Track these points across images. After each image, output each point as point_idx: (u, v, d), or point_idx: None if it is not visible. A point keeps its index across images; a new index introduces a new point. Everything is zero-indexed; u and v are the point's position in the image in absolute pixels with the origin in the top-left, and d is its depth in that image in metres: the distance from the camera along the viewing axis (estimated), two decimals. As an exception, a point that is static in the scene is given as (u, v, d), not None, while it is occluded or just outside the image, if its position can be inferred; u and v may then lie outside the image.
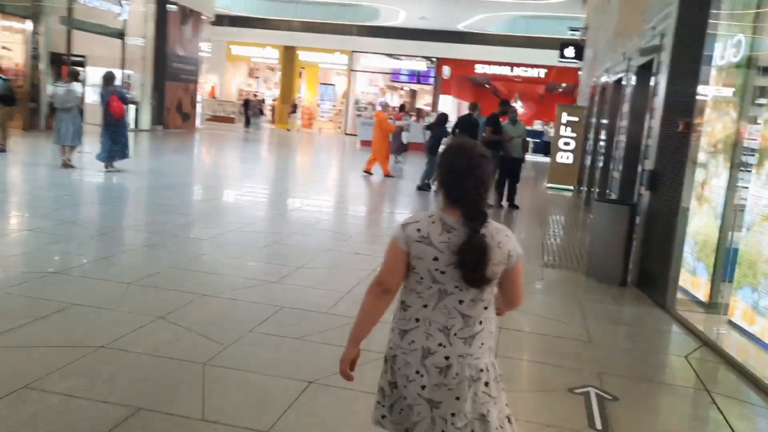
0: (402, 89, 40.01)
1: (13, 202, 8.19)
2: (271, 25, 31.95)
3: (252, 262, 5.87)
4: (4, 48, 17.47)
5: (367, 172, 14.02)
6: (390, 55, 32.95)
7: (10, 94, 11.49)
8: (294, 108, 30.95)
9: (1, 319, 3.92)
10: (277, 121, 33.31)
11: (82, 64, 21.90)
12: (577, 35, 21.00)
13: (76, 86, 10.59)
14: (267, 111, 32.98)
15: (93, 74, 21.96)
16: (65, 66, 11.61)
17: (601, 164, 10.72)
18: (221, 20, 30.45)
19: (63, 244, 5.96)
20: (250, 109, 26.18)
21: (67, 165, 10.50)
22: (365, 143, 24.36)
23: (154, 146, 17.66)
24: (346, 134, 32.50)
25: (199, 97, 25.32)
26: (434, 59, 31.90)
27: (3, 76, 11.56)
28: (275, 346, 3.94)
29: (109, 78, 10.69)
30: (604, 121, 10.98)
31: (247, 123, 26.22)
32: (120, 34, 20.03)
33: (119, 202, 9.03)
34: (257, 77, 36.42)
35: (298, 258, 6.13)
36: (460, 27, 29.49)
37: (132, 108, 19.04)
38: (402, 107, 21.74)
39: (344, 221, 8.98)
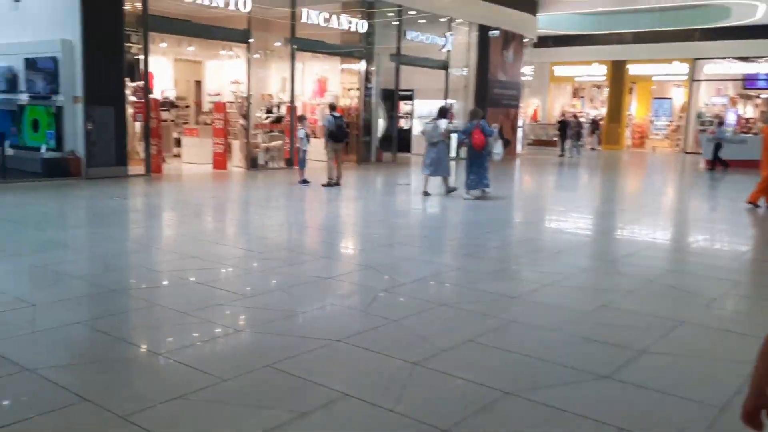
0: (758, 98, 33.83)
1: (322, 241, 8.12)
2: (598, 40, 29.81)
3: (572, 339, 4.40)
4: (348, 89, 19.09)
5: (752, 203, 10.88)
6: (743, 59, 27.97)
7: (338, 131, 11.97)
8: (596, 125, 28.80)
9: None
10: (604, 142, 30.90)
11: (410, 98, 23.00)
12: None
13: (442, 122, 11.22)
14: (589, 132, 30.81)
15: (419, 107, 22.94)
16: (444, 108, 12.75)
17: None
18: (545, 41, 29.44)
19: (349, 298, 5.31)
20: (570, 130, 24.45)
21: (449, 190, 11.43)
22: (712, 163, 20.82)
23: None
24: (686, 153, 28.47)
25: (520, 122, 24.59)
26: (806, 57, 25.96)
27: (335, 114, 12.12)
28: None
29: (474, 113, 11.32)
30: None
31: (563, 146, 24.54)
32: (444, 66, 20.38)
33: (429, 241, 8.37)
34: (582, 97, 34.45)
35: (637, 335, 4.45)
36: None
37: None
38: None
39: (701, 275, 6.76)
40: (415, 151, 22.46)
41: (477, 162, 11.12)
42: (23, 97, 12.49)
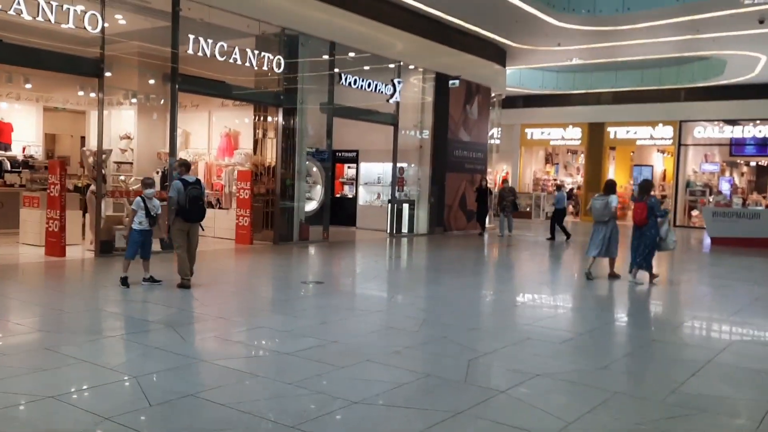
0: (746, 165, 30.92)
1: None
2: (574, 100, 26.54)
3: None
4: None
5: None
6: (732, 122, 24.94)
7: (191, 205, 7.57)
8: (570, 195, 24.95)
9: None
10: (583, 213, 27.16)
11: (354, 161, 18.96)
12: None
13: (614, 199, 10.19)
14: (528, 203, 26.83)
15: (366, 170, 18.87)
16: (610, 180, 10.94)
17: None
18: (514, 101, 26.07)
19: None
20: (505, 200, 17.97)
21: (612, 276, 10.37)
22: (719, 241, 17.05)
23: (433, 255, 12.98)
24: (674, 226, 24.87)
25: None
26: (807, 120, 22.85)
27: (187, 178, 7.72)
28: None
29: (644, 186, 10.29)
30: None
31: (483, 222, 18.61)
32: (392, 120, 16.42)
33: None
34: (556, 163, 30.98)
35: None
36: None
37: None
38: None
39: None
40: (360, 225, 18.24)
41: (636, 240, 10.07)
42: None
